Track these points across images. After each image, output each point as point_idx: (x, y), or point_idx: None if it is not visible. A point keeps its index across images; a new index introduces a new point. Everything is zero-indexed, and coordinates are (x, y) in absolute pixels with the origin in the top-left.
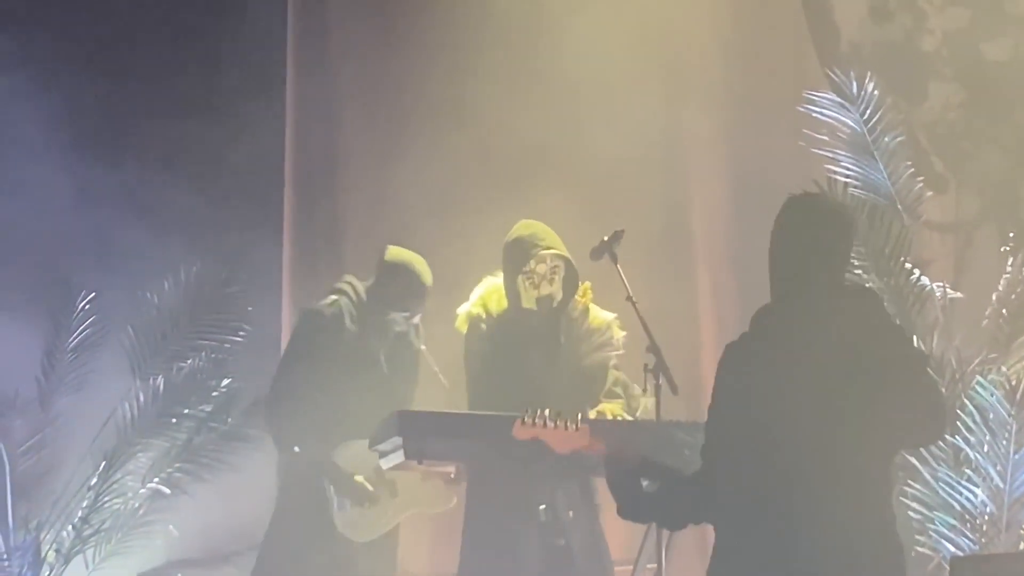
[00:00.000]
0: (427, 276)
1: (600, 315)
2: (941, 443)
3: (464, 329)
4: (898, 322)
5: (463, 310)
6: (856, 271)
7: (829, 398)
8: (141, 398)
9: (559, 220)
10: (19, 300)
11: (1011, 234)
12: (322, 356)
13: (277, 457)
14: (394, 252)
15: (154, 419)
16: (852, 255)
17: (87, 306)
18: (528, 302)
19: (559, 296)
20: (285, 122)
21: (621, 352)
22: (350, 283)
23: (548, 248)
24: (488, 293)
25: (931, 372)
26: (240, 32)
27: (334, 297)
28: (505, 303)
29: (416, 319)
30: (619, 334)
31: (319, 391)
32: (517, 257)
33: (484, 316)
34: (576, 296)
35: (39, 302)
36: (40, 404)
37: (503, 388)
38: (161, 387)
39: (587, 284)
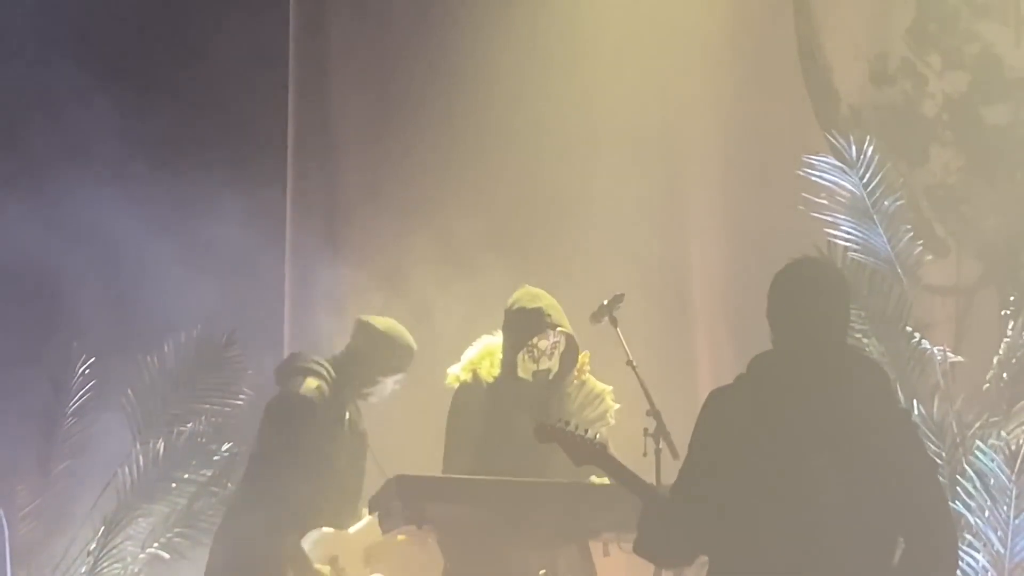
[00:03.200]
0: (411, 338)
1: (597, 386)
2: None
3: (454, 386)
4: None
5: (453, 371)
6: (856, 335)
7: (833, 462)
8: (141, 462)
9: (558, 282)
10: (19, 364)
11: (1012, 298)
12: (304, 445)
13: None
14: (377, 320)
15: (154, 483)
16: (852, 320)
17: (87, 370)
18: (524, 373)
19: (555, 369)
20: (286, 184)
21: (612, 424)
22: (321, 364)
23: (555, 326)
24: (480, 357)
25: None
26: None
27: (316, 383)
28: (497, 369)
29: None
30: (612, 407)
31: (297, 480)
32: (521, 330)
33: (471, 381)
34: (575, 370)
35: (39, 366)
36: (40, 468)
37: (483, 455)
38: (161, 451)
39: (586, 354)
